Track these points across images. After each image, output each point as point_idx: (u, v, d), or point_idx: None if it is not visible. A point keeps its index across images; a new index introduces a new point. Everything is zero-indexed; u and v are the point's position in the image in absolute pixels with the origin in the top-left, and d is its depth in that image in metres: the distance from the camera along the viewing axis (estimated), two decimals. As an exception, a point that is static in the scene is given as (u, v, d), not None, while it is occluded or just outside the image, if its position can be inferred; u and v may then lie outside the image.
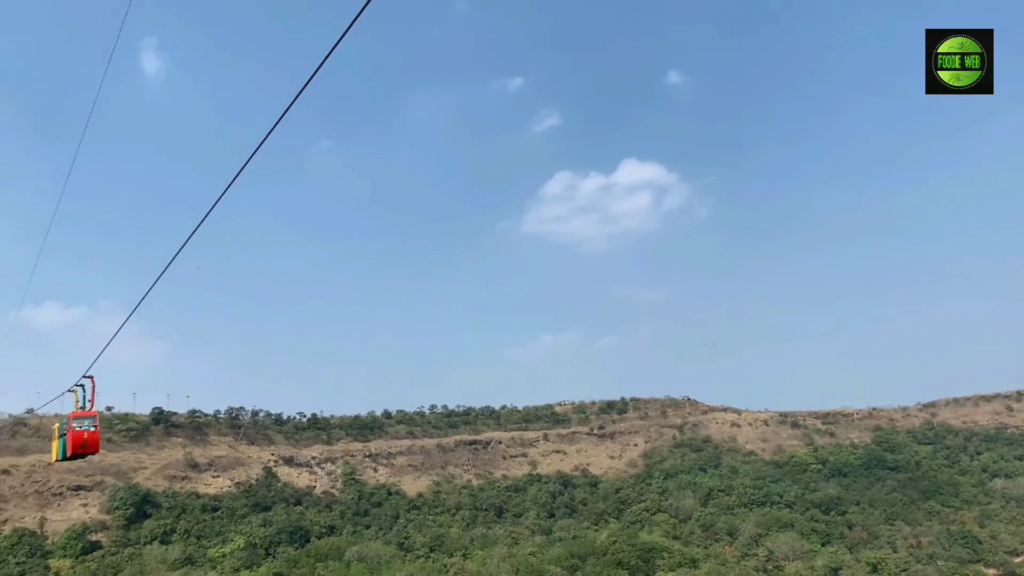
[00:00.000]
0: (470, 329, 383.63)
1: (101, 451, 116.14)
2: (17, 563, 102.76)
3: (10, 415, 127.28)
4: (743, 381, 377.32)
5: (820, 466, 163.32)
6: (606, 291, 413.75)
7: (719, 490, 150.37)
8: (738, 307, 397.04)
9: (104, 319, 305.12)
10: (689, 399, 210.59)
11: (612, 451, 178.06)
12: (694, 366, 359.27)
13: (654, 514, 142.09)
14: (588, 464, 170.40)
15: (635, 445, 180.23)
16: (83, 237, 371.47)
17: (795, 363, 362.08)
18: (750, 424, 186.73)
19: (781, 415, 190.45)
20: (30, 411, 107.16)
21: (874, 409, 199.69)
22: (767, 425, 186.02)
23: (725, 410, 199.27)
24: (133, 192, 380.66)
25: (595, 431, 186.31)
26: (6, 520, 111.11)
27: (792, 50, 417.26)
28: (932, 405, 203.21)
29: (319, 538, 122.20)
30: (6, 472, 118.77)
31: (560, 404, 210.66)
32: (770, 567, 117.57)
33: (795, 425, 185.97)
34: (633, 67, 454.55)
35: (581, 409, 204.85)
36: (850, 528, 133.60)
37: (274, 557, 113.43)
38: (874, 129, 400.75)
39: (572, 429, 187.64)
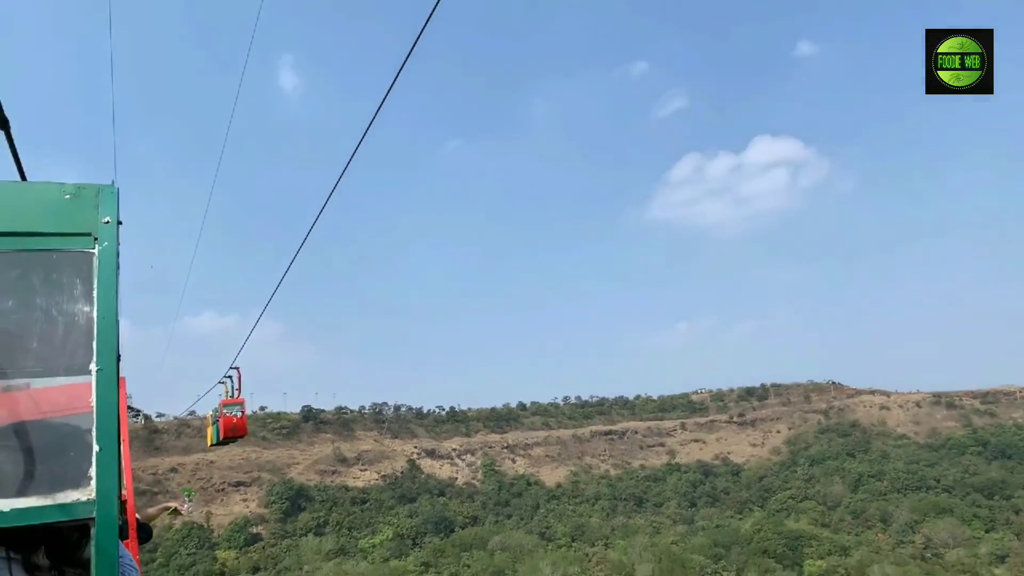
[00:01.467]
0: (602, 319, 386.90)
1: (258, 448, 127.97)
2: (188, 554, 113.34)
3: (175, 417, 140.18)
4: (892, 362, 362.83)
5: (980, 448, 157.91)
6: (741, 274, 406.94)
7: (869, 476, 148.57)
8: (886, 284, 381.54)
9: (257, 325, 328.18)
10: (834, 382, 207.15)
11: (753, 439, 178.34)
12: (838, 348, 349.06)
13: (800, 501, 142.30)
14: (729, 452, 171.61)
15: (777, 432, 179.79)
16: (234, 247, 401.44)
17: (949, 341, 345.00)
18: (900, 406, 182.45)
19: (935, 396, 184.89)
20: (192, 413, 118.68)
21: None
22: (919, 407, 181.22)
23: (873, 393, 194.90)
24: (276, 203, 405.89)
25: (735, 419, 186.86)
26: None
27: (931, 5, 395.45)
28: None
29: (463, 528, 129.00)
30: (174, 470, 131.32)
31: (697, 392, 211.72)
32: (928, 555, 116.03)
33: (951, 406, 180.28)
34: (761, 41, 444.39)
35: (719, 397, 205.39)
36: (1017, 513, 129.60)
37: (421, 547, 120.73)
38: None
39: (710, 417, 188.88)
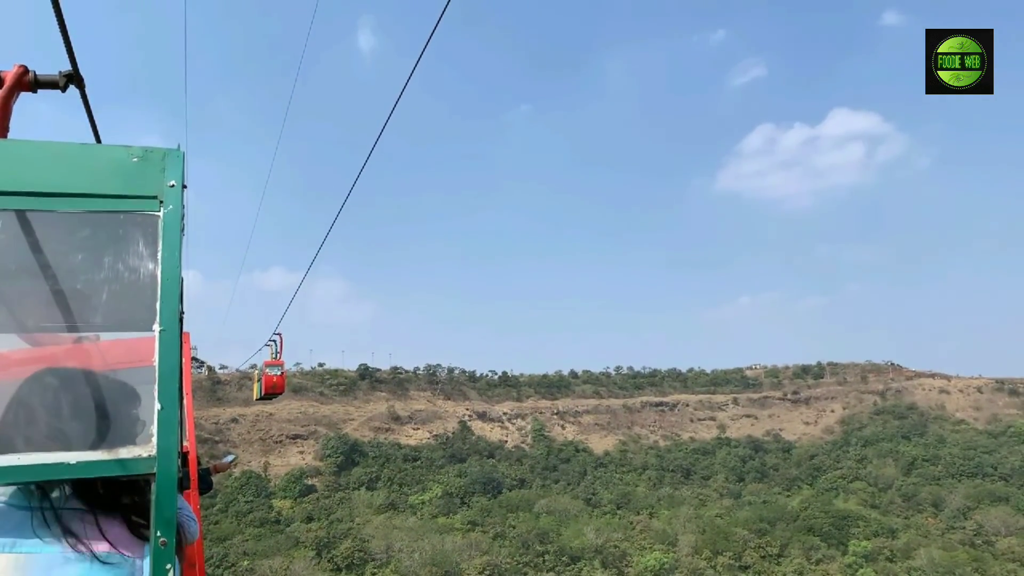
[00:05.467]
0: (662, 290, 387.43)
1: (315, 403, 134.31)
2: (246, 501, 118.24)
3: (237, 370, 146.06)
4: (955, 346, 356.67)
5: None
6: (809, 250, 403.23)
7: (924, 459, 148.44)
8: (955, 266, 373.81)
9: (322, 280, 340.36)
10: (893, 364, 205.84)
11: (807, 416, 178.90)
12: (900, 330, 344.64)
13: (851, 482, 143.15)
14: (781, 429, 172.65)
15: (832, 411, 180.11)
16: (297, 205, 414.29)
17: (1016, 327, 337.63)
18: (961, 391, 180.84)
19: (997, 382, 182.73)
20: (253, 366, 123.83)
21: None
22: (981, 392, 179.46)
23: (933, 376, 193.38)
24: (345, 162, 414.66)
25: (788, 396, 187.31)
26: (237, 463, 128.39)
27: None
28: None
29: (510, 490, 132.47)
30: (235, 421, 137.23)
31: (751, 368, 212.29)
32: (979, 541, 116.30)
33: (1014, 392, 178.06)
34: (845, 9, 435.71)
35: (774, 373, 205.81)
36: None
37: (468, 506, 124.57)
38: None
39: (764, 393, 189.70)
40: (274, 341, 40.23)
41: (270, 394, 40.72)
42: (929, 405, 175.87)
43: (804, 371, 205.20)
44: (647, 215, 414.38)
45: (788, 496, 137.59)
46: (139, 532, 2.30)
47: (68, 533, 2.18)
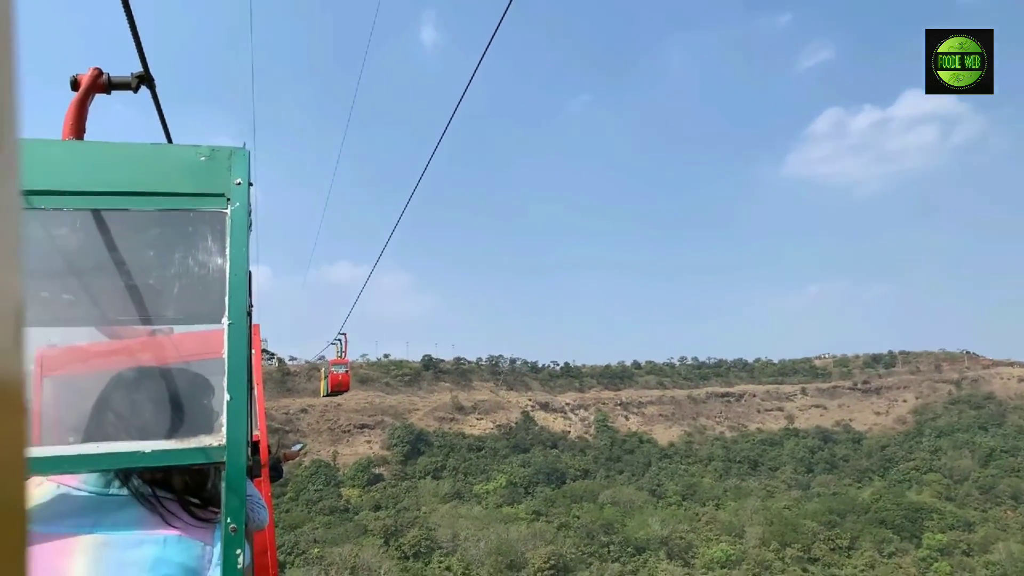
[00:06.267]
0: (727, 280, 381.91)
1: (381, 393, 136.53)
2: (316, 490, 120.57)
3: (306, 361, 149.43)
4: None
5: None
6: (881, 236, 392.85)
7: (1003, 451, 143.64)
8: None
9: (385, 275, 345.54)
10: (968, 352, 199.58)
11: (878, 407, 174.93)
12: (977, 317, 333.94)
13: (924, 473, 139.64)
14: (851, 420, 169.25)
15: (904, 401, 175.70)
16: (363, 199, 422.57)
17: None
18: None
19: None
20: (321, 358, 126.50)
21: None
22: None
23: (1012, 364, 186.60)
24: (405, 159, 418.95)
25: (859, 386, 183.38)
26: (306, 452, 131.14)
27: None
28: None
29: (574, 480, 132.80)
30: (304, 411, 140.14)
31: (819, 357, 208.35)
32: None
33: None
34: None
35: (843, 362, 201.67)
36: None
37: (532, 496, 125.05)
38: None
39: (833, 383, 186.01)
40: (339, 340, 41.70)
41: (336, 391, 42.31)
42: (1008, 394, 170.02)
43: (875, 360, 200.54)
44: (713, 202, 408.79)
45: (859, 488, 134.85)
46: (207, 518, 2.42)
47: (143, 517, 2.33)
